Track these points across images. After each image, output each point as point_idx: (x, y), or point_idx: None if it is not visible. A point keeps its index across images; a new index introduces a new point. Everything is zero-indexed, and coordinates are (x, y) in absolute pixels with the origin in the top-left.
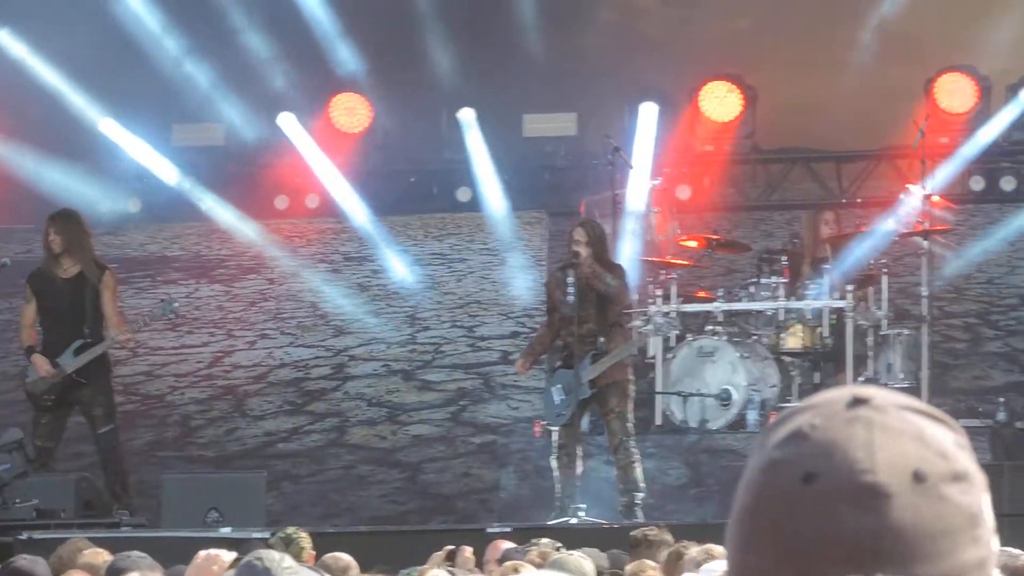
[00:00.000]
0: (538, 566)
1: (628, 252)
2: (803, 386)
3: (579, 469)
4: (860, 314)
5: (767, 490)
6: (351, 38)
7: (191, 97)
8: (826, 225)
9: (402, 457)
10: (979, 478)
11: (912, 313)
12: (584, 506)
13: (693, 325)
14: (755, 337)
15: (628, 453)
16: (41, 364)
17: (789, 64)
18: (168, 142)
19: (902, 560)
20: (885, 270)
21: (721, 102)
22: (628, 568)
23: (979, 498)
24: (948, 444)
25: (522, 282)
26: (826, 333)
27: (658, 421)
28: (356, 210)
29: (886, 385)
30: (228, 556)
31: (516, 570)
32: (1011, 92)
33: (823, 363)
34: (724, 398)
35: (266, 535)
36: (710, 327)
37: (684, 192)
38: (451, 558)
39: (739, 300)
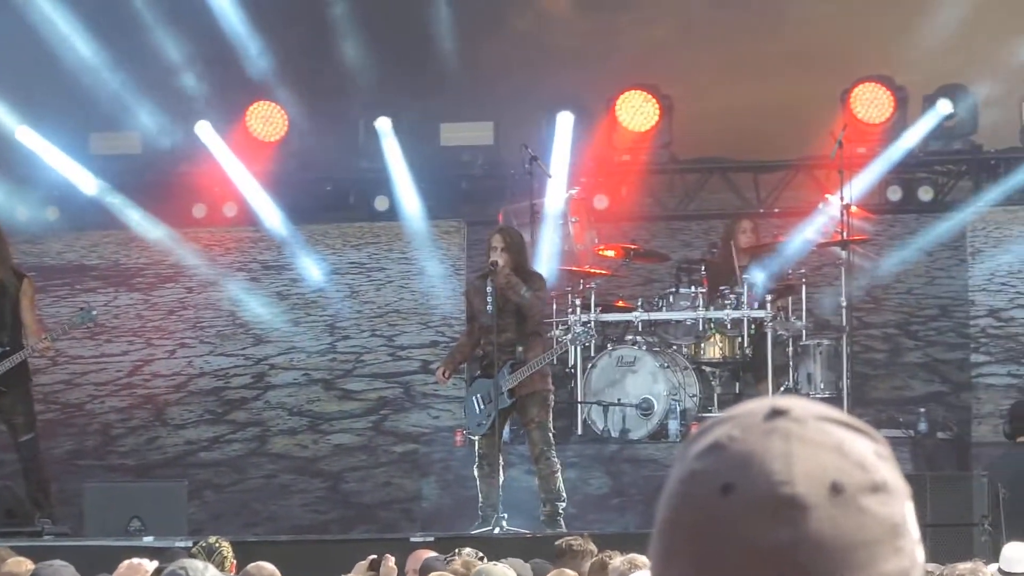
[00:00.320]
0: None
1: (547, 261)
2: (723, 396)
3: (501, 478)
4: (780, 324)
5: (687, 501)
6: (267, 47)
7: (109, 106)
8: (744, 235)
9: (324, 466)
10: (901, 488)
11: (832, 323)
12: (506, 515)
13: (613, 334)
14: (675, 347)
15: (549, 463)
16: None
17: (706, 74)
18: (86, 150)
19: (820, 572)
20: (804, 280)
21: (638, 112)
22: None
23: (901, 508)
24: (868, 455)
25: (441, 291)
26: (746, 343)
27: (579, 431)
28: (273, 219)
29: (807, 395)
30: (151, 565)
31: None
32: (927, 102)
33: (743, 373)
34: (645, 408)
35: (188, 544)
36: (630, 337)
37: (602, 201)
38: (374, 567)
39: (658, 310)
